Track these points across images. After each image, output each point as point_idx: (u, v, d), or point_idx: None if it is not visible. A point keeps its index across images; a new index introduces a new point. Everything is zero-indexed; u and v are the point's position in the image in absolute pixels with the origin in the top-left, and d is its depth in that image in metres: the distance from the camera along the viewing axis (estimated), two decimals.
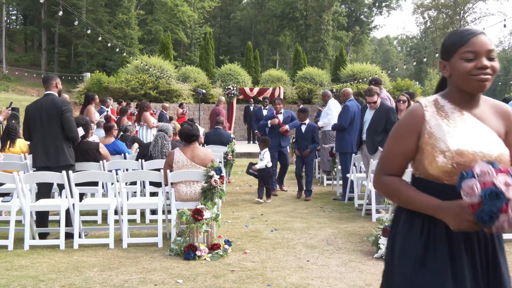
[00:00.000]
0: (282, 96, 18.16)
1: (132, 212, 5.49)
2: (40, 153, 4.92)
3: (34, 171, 5.08)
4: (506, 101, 6.82)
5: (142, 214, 5.85)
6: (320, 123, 8.71)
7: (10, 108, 6.62)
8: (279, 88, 18.22)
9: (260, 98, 18.50)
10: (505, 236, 4.64)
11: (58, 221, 4.66)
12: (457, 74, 1.58)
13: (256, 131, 9.27)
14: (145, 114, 9.53)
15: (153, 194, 5.86)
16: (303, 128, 7.37)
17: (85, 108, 9.24)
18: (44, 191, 5.04)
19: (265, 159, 6.98)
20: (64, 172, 4.57)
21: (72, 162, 5.08)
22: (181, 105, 15.42)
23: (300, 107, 8.59)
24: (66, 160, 4.99)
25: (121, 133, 8.46)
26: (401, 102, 6.35)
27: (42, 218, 4.93)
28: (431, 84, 30.45)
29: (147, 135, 9.47)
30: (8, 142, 6.20)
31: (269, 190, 7.10)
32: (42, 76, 5.82)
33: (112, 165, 5.80)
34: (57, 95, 5.10)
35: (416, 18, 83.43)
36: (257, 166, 6.96)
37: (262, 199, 6.95)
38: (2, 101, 21.32)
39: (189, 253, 4.16)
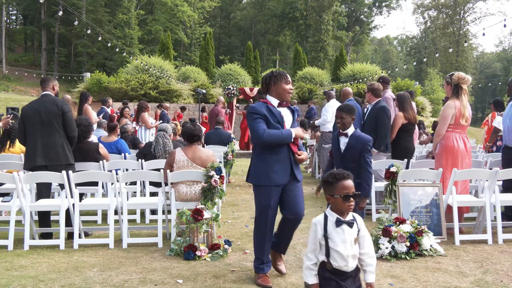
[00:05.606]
0: None
1: (132, 212, 5.49)
2: (39, 153, 4.84)
3: (26, 172, 4.96)
4: None
5: (142, 214, 5.85)
6: (316, 122, 8.85)
7: (11, 116, 6.61)
8: None
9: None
10: (505, 236, 4.64)
11: (58, 221, 4.66)
12: None
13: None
14: (143, 115, 9.51)
15: (153, 194, 5.86)
16: (342, 142, 3.99)
17: (83, 108, 9.17)
18: (44, 191, 5.03)
19: None
20: (64, 172, 4.56)
21: (72, 162, 5.06)
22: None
23: (340, 105, 4.63)
24: (67, 159, 4.97)
25: (119, 134, 8.46)
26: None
27: (44, 219, 4.92)
28: (431, 84, 30.44)
29: (146, 136, 9.46)
30: (8, 142, 6.20)
31: None
32: (42, 76, 5.82)
33: (112, 165, 5.79)
34: (54, 96, 5.10)
35: (416, 18, 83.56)
36: None
37: None
38: (2, 101, 21.32)
39: (189, 253, 4.16)
